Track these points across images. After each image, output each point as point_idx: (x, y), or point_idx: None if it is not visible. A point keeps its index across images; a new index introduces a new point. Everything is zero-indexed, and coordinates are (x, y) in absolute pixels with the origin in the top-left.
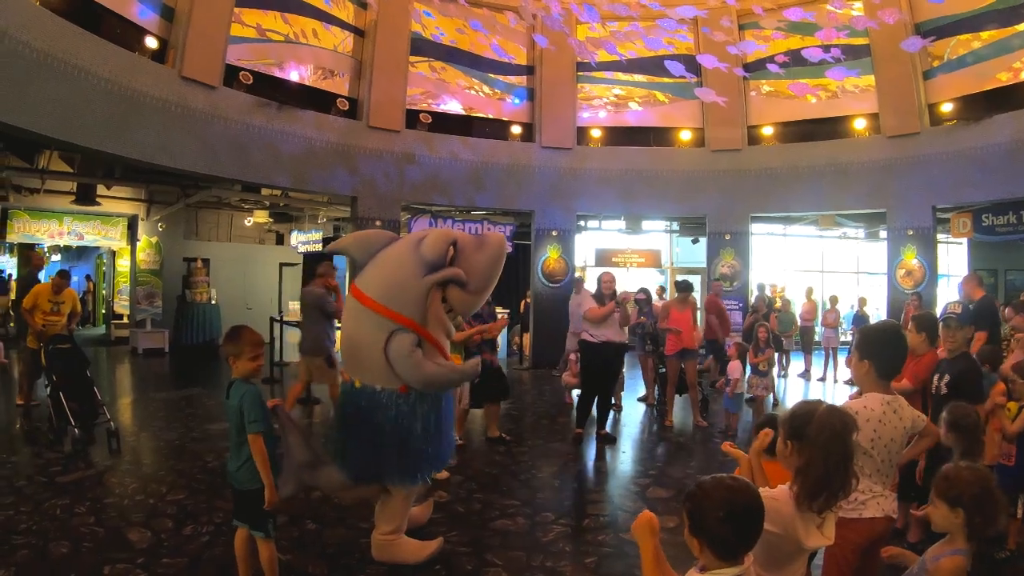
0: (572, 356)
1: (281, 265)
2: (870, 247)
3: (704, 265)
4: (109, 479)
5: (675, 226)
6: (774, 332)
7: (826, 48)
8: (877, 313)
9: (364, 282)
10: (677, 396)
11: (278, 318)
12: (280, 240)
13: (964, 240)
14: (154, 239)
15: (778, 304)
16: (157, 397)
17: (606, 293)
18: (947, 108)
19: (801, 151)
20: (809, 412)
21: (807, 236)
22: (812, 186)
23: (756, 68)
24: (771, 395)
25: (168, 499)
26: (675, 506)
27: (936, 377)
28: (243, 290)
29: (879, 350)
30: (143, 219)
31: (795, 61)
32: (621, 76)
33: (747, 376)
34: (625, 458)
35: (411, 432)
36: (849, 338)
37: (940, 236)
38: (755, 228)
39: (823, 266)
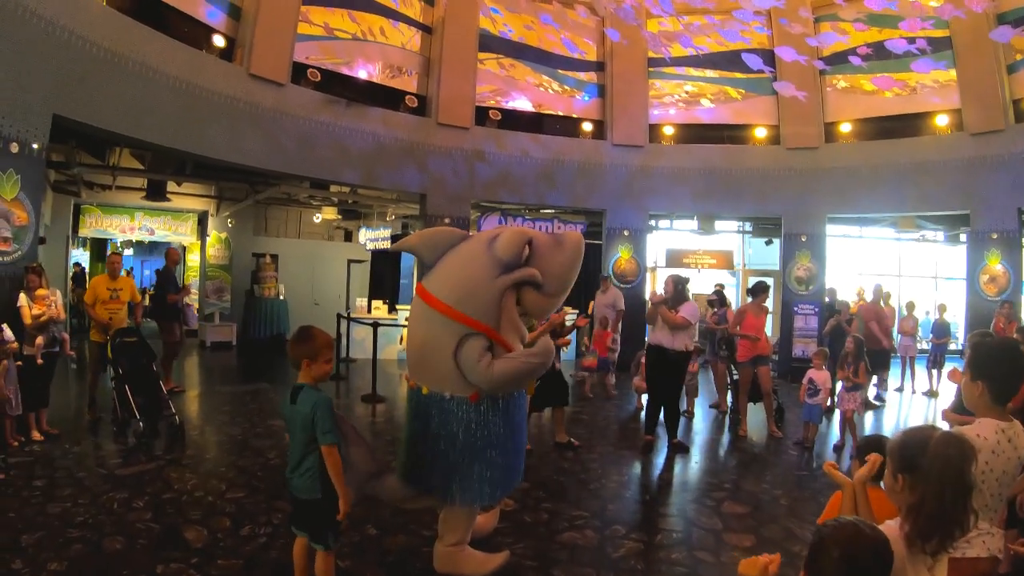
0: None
1: (349, 262)
2: (949, 251)
3: (777, 267)
4: (169, 473)
5: (748, 227)
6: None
7: (911, 40)
8: (954, 322)
9: (433, 283)
10: (751, 404)
11: (345, 315)
12: (348, 237)
13: None
14: (223, 235)
15: (855, 309)
16: (223, 390)
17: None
18: None
19: (880, 149)
20: (922, 441)
21: (884, 238)
22: (891, 186)
23: (835, 62)
24: (862, 413)
25: (227, 497)
26: (751, 523)
27: None
28: (311, 286)
29: (995, 370)
30: (213, 215)
31: (878, 54)
32: (692, 72)
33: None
34: (697, 469)
35: (481, 444)
36: (926, 346)
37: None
38: (830, 229)
39: (900, 270)
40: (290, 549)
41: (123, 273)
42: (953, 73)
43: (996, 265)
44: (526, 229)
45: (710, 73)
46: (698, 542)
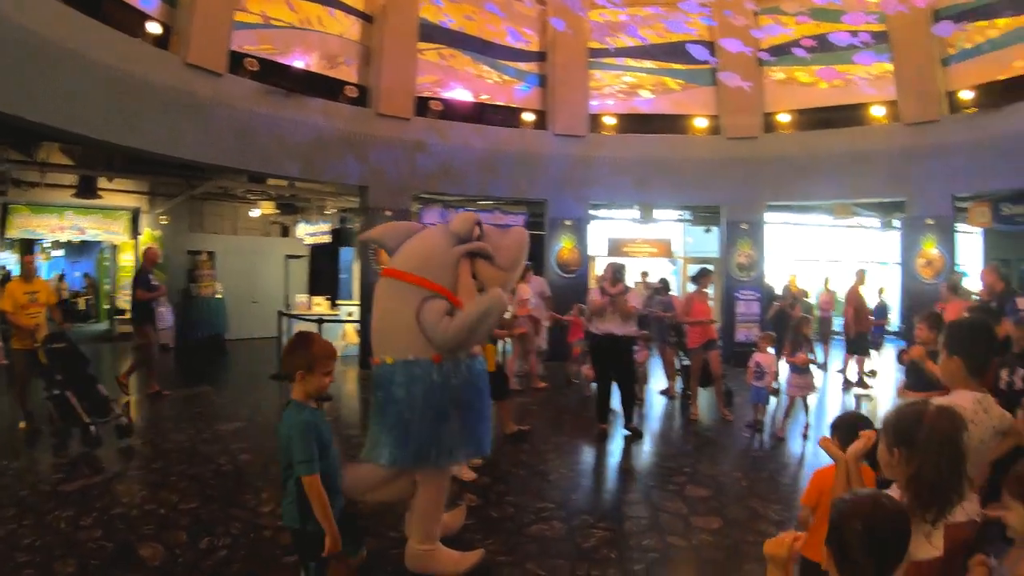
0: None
1: (287, 257)
2: (882, 236)
3: (716, 254)
4: (116, 487)
5: (687, 215)
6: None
7: (854, 33)
8: (889, 307)
9: (397, 261)
10: (700, 388)
11: (286, 311)
12: (285, 232)
13: (978, 230)
14: (157, 232)
15: (794, 290)
16: (164, 396)
17: (603, 286)
18: (967, 96)
19: (818, 139)
20: (917, 415)
21: (819, 225)
22: (830, 174)
23: (778, 53)
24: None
25: (181, 508)
26: (715, 505)
27: (1005, 372)
28: (249, 284)
29: (970, 346)
30: (146, 212)
31: (822, 46)
32: (632, 62)
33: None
34: (655, 454)
35: (445, 403)
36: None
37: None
38: (769, 217)
39: (834, 255)
40: (252, 560)
41: (55, 276)
42: (887, 65)
43: (931, 249)
44: (476, 215)
45: (649, 64)
46: (667, 527)
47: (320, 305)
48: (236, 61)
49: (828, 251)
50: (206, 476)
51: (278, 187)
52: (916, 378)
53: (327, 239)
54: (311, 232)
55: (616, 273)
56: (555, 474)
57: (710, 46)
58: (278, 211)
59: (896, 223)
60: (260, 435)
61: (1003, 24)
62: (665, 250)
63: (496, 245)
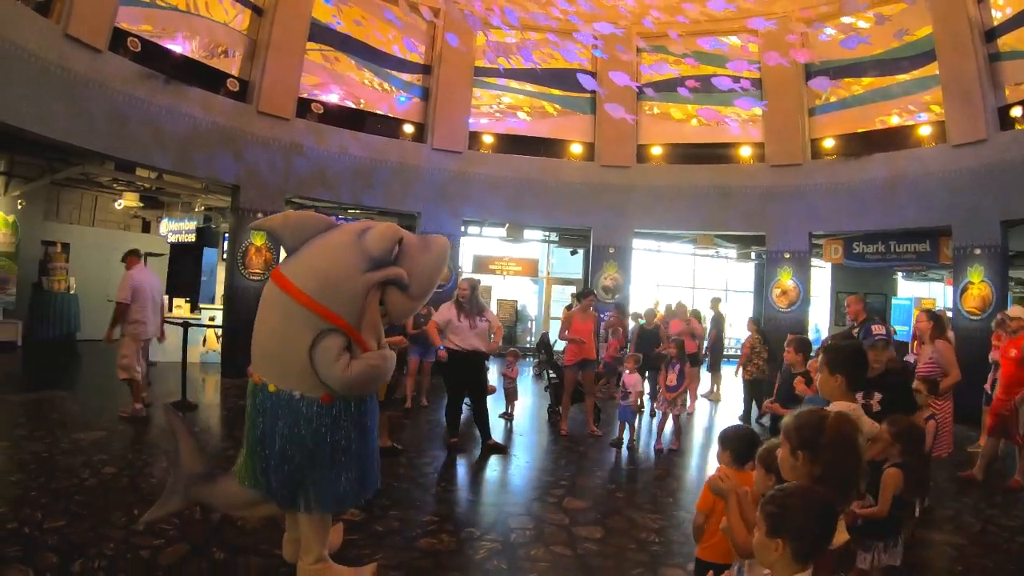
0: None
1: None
2: (738, 267)
3: (579, 275)
4: None
5: (553, 236)
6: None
7: (736, 79)
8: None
9: (294, 271)
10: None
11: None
12: (147, 228)
13: (827, 264)
14: (11, 218)
15: (660, 317)
16: (13, 400)
17: (462, 301)
18: (829, 144)
19: (687, 172)
20: (818, 421)
21: (680, 253)
22: (696, 206)
23: (661, 89)
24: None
25: (47, 527)
26: (595, 516)
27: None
28: (105, 280)
29: (852, 365)
30: (0, 194)
31: (704, 87)
32: (512, 84)
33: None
34: (532, 468)
35: (331, 450)
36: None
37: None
38: (635, 243)
39: (694, 282)
40: None
41: None
42: (758, 109)
43: (788, 280)
44: (397, 226)
45: (530, 87)
46: (551, 537)
47: (181, 308)
48: (118, 39)
49: (687, 277)
50: (70, 492)
51: (146, 179)
52: (786, 395)
53: (191, 238)
54: (175, 230)
55: (474, 289)
56: (436, 488)
57: (593, 76)
58: (141, 204)
59: (752, 255)
60: (122, 446)
61: (867, 83)
62: (531, 269)
63: (413, 267)
